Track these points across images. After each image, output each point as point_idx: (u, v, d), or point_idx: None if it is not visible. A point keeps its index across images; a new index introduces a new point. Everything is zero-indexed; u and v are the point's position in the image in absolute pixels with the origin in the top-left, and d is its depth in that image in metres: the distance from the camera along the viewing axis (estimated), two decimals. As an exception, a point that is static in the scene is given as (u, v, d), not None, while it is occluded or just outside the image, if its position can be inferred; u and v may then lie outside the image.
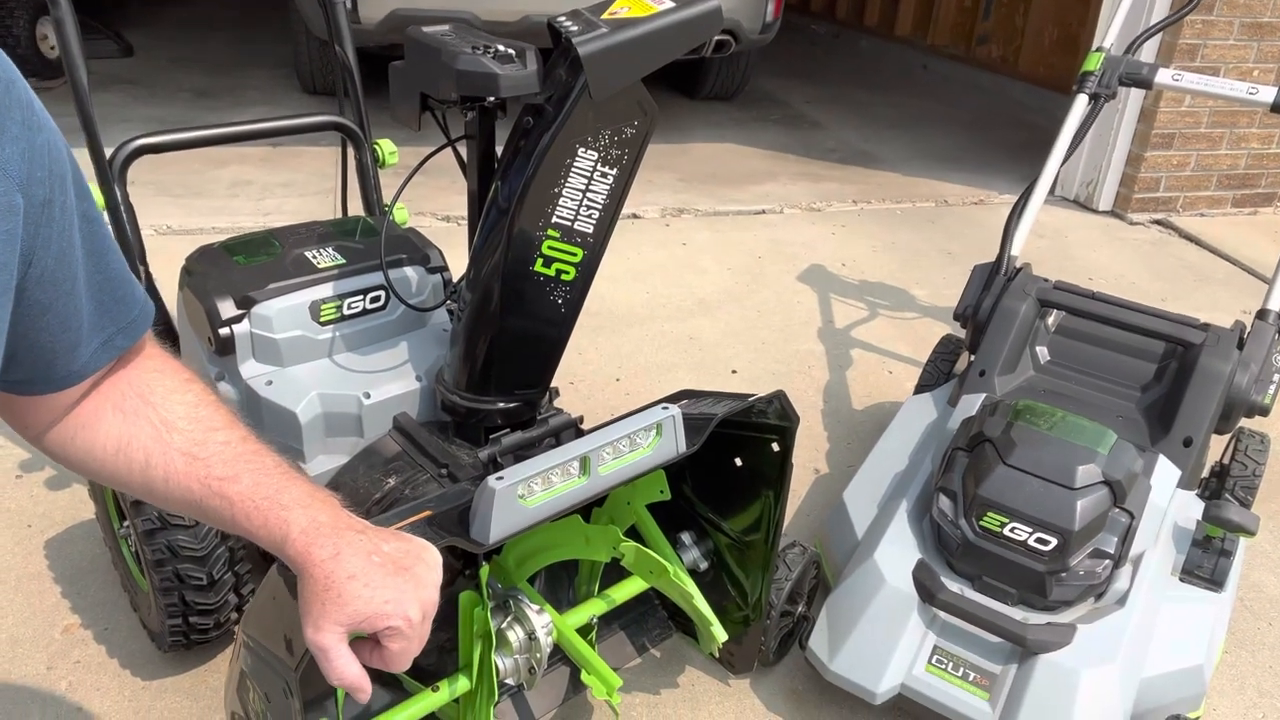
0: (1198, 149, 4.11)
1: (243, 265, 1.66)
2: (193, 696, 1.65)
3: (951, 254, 3.70)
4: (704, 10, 1.34)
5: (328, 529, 0.91)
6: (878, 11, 7.77)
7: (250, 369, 1.60)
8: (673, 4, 1.35)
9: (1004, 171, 4.64)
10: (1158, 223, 4.18)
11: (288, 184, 3.97)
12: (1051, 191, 4.30)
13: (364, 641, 0.94)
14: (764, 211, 4.05)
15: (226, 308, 1.57)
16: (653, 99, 1.39)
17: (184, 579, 1.54)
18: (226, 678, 1.31)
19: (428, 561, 0.96)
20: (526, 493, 1.17)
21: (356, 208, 2.05)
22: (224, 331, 1.57)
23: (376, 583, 0.90)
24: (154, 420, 0.91)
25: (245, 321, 1.59)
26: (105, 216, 1.66)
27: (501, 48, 1.35)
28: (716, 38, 4.38)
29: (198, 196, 3.79)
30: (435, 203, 3.75)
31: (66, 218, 0.75)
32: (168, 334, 1.83)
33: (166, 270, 1.83)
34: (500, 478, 1.12)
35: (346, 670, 0.90)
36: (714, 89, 5.59)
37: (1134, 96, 4.03)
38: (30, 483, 2.12)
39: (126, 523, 1.62)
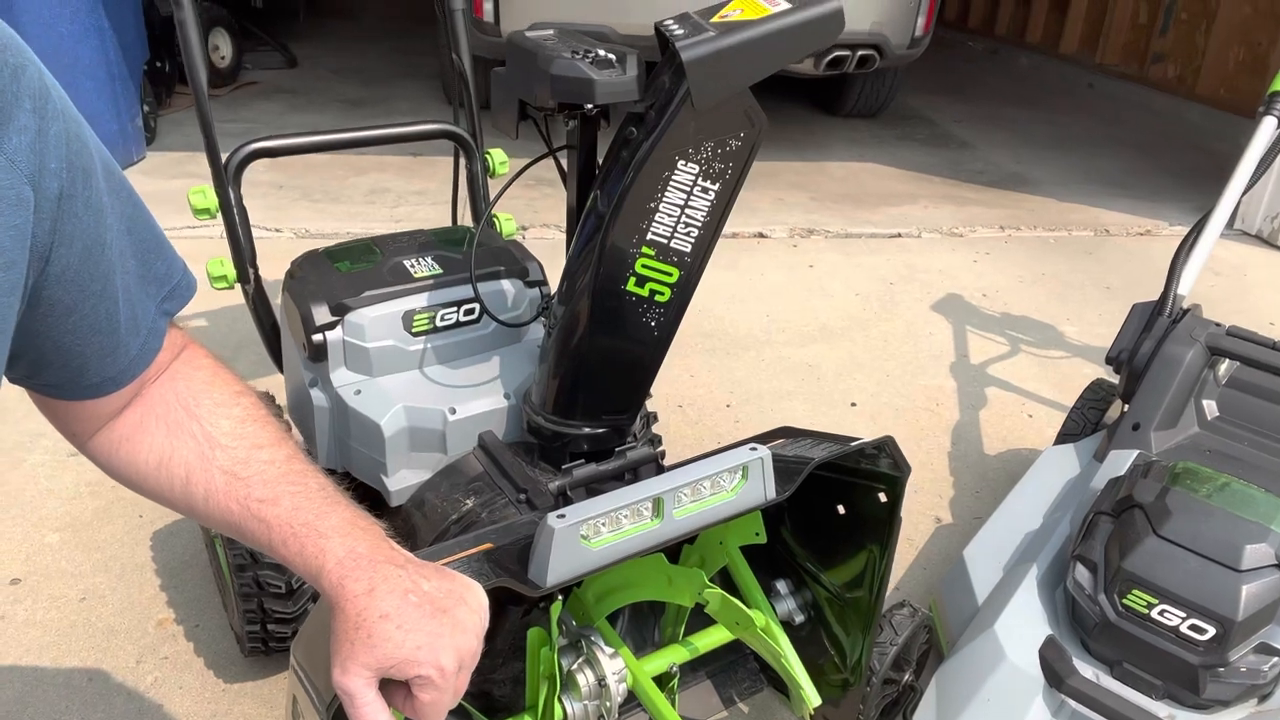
0: None
1: (343, 272, 1.64)
2: (269, 704, 1.63)
3: (1110, 289, 3.38)
4: (823, 12, 1.21)
5: (365, 561, 0.84)
6: (1041, 26, 7.33)
7: (341, 377, 1.58)
8: (789, 5, 1.23)
9: (1175, 200, 4.22)
10: (1357, 263, 3.71)
11: (422, 192, 4.05)
12: (1230, 224, 3.90)
13: (399, 685, 0.86)
14: (900, 235, 3.83)
15: (321, 314, 1.55)
16: (761, 110, 1.27)
17: (263, 586, 1.52)
18: (286, 692, 1.27)
19: (470, 604, 0.88)
20: (591, 534, 1.07)
21: (468, 218, 2.02)
22: (317, 338, 1.55)
23: (410, 625, 0.82)
24: (198, 435, 0.87)
25: (339, 329, 1.56)
26: (220, 218, 1.70)
27: (602, 52, 1.27)
28: (861, 53, 4.19)
29: (335, 202, 3.92)
30: (559, 214, 3.73)
31: (93, 214, 0.71)
32: (274, 337, 1.84)
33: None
34: (562, 515, 1.03)
35: (373, 719, 0.83)
36: (857, 106, 5.38)
37: (1335, 120, 3.58)
38: (148, 473, 2.19)
39: (216, 523, 1.63)
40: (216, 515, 0.87)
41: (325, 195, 3.99)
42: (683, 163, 1.27)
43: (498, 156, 1.96)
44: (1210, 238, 2.00)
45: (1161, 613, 1.39)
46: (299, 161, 4.13)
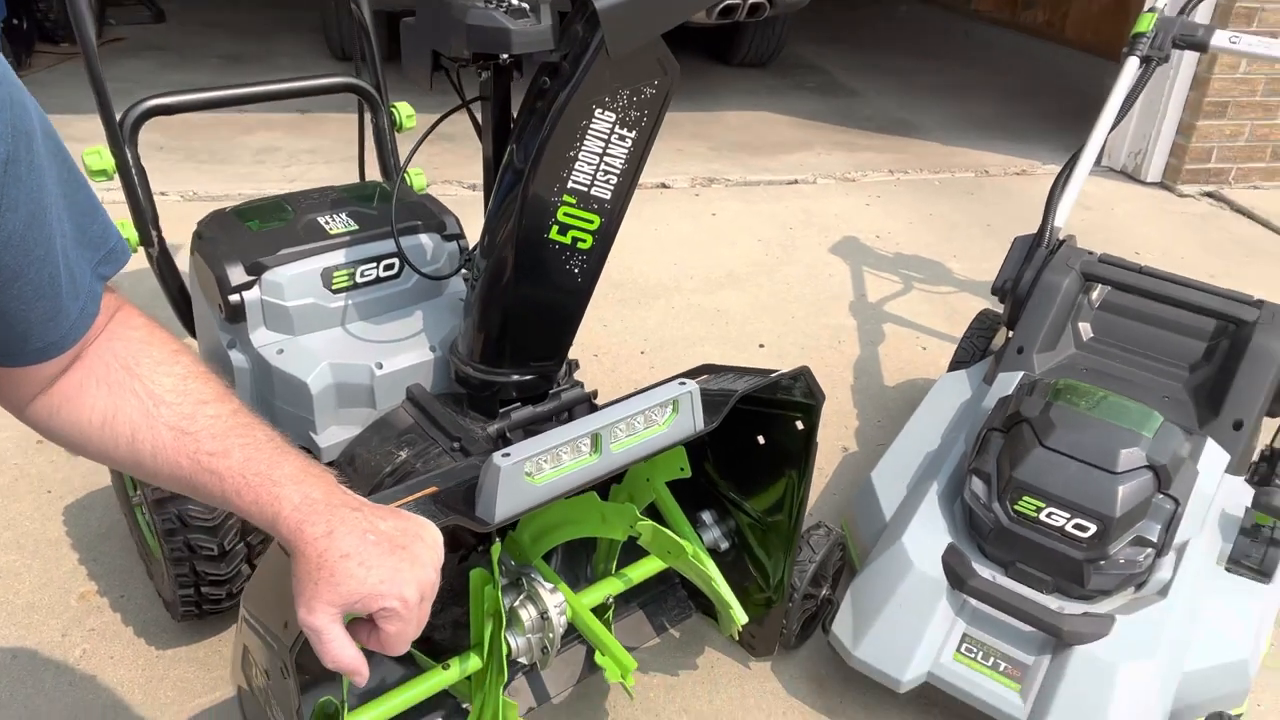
0: (1252, 118, 3.93)
1: (254, 231, 1.62)
2: (205, 666, 1.63)
3: (991, 226, 3.58)
4: (730, -39, 1.25)
5: (321, 506, 0.87)
6: (919, -24, 7.55)
7: (261, 337, 1.57)
8: (696, -45, 1.27)
9: (1048, 141, 4.47)
10: (1208, 195, 4.02)
11: (314, 150, 3.93)
12: (1098, 162, 4.14)
13: (362, 622, 0.90)
14: (797, 181, 3.95)
15: (237, 274, 1.54)
16: (674, 58, 1.32)
17: (195, 549, 1.52)
18: (232, 651, 1.29)
19: (426, 540, 0.92)
20: (534, 470, 1.12)
21: (375, 172, 2.00)
22: (234, 298, 1.53)
23: (371, 562, 0.85)
24: (140, 393, 0.87)
25: (256, 288, 1.55)
26: (118, 179, 1.65)
27: (516, 2, 1.29)
28: (751, 1, 4.24)
29: (224, 163, 3.77)
30: (462, 170, 3.70)
31: (36, 178, 0.71)
32: (182, 301, 1.80)
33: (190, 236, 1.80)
34: (507, 454, 1.08)
35: (341, 653, 0.86)
36: (748, 55, 5.46)
37: (1186, 63, 3.85)
38: (51, 449, 2.12)
39: (139, 491, 1.61)
40: (165, 471, 0.88)
41: (211, 156, 3.84)
42: (600, 111, 1.30)
43: (404, 110, 1.94)
44: (1081, 173, 2.15)
45: (1049, 515, 1.53)
46: (179, 121, 3.91)
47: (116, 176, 1.64)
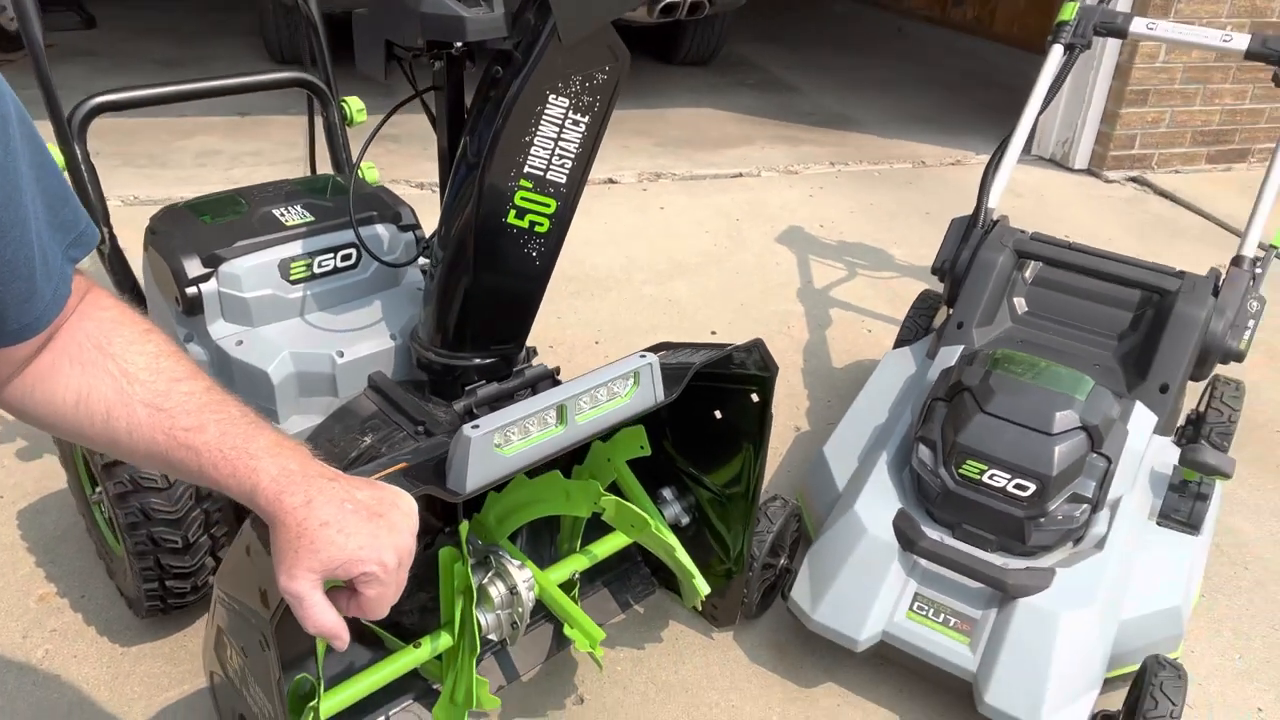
0: (1172, 105, 4.11)
1: (209, 224, 1.62)
2: (171, 661, 1.63)
3: (929, 214, 3.70)
4: (674, -50, 1.31)
5: (299, 476, 0.89)
6: (853, -25, 7.71)
7: (219, 329, 1.58)
8: (643, -55, 1.32)
9: (980, 132, 4.63)
10: (1133, 180, 4.19)
11: (257, 153, 3.90)
12: (1028, 150, 4.32)
13: (340, 590, 0.92)
14: (741, 174, 4.02)
15: (193, 266, 1.54)
16: (624, 45, 1.36)
17: (159, 542, 1.52)
18: (204, 638, 1.29)
19: (403, 508, 0.95)
20: (503, 441, 1.16)
21: (325, 167, 2.01)
22: (191, 291, 1.54)
23: (351, 529, 0.88)
24: (113, 371, 0.88)
25: (213, 280, 1.55)
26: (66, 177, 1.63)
27: (468, -9, 1.32)
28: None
29: (163, 168, 3.72)
30: (408, 170, 3.70)
31: (12, 160, 0.72)
32: (136, 298, 1.79)
33: (134, 241, 1.78)
34: (476, 426, 1.11)
35: (323, 618, 0.89)
36: (689, 54, 5.53)
37: (1109, 54, 4.02)
38: (1, 454, 2.08)
39: (99, 488, 1.60)
40: (141, 448, 0.89)
41: (150, 160, 3.78)
42: (553, 97, 1.34)
43: (355, 104, 1.96)
44: (1012, 156, 2.25)
45: (991, 477, 1.61)
46: (116, 127, 3.88)
47: (66, 174, 1.63)
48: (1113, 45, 3.99)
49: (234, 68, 5.05)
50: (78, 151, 1.62)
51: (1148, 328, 1.95)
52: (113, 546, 1.69)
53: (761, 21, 6.76)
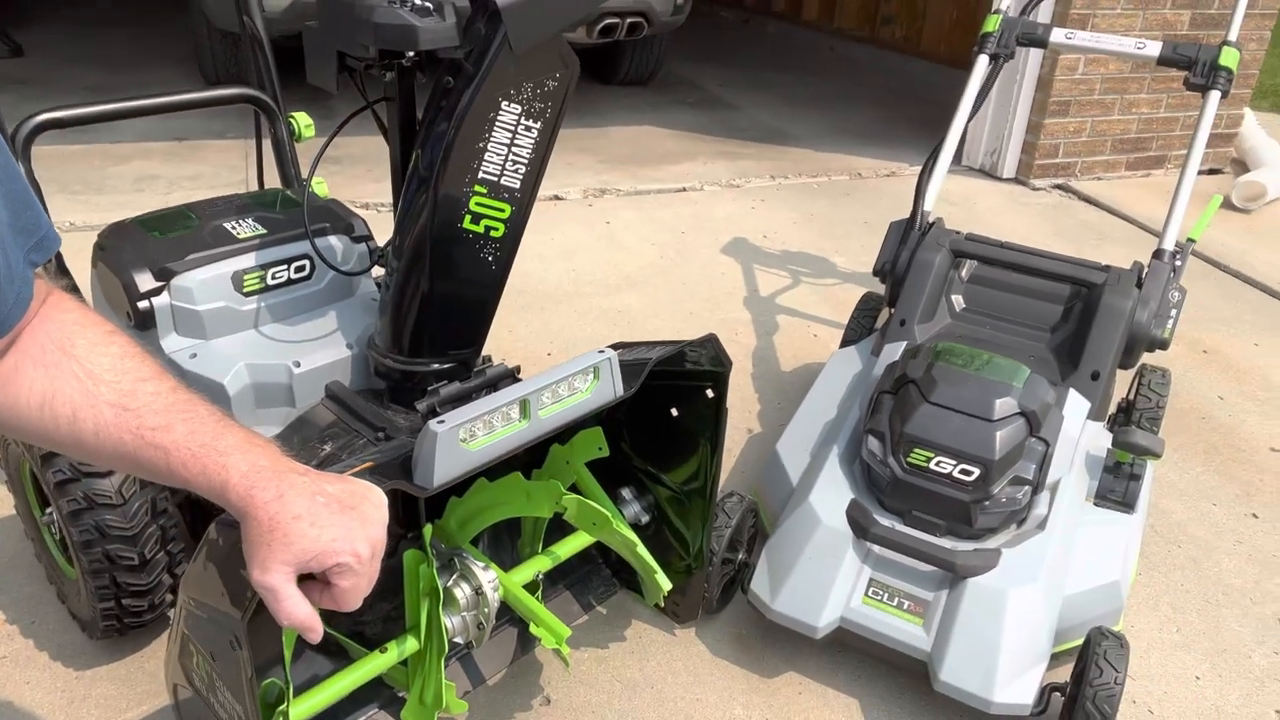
0: (1092, 115, 4.30)
1: (160, 238, 1.62)
2: (128, 683, 1.60)
3: (867, 223, 3.81)
4: (620, -39, 1.35)
5: (269, 472, 0.90)
6: (784, -3, 7.91)
7: (172, 343, 1.57)
8: (588, -44, 1.36)
9: (913, 145, 4.79)
10: (1058, 187, 4.37)
11: (196, 177, 3.85)
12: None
13: (313, 583, 0.93)
14: (685, 189, 4.10)
15: (145, 280, 1.53)
16: (574, 53, 1.40)
17: (114, 560, 1.49)
18: (167, 651, 1.28)
19: (373, 500, 0.96)
20: (468, 436, 1.18)
21: (273, 182, 2.01)
22: (143, 305, 1.53)
23: (323, 521, 0.89)
24: (78, 373, 0.88)
25: (165, 294, 1.55)
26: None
27: (419, 1, 1.35)
28: (630, 20, 4.40)
29: (99, 193, 3.66)
30: (352, 190, 3.69)
31: None
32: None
33: (72, 268, 1.76)
34: (442, 421, 1.13)
35: (296, 610, 0.89)
36: (629, 74, 5.62)
37: (1031, 66, 4.19)
38: (-62, 485, 2.03)
39: (50, 509, 1.57)
40: (108, 448, 0.90)
41: (85, 186, 3.71)
42: (506, 103, 1.38)
43: (303, 120, 1.97)
44: (945, 160, 2.34)
45: (937, 464, 1.67)
46: (49, 154, 3.81)
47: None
48: (1034, 59, 4.17)
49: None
50: (22, 171, 1.60)
51: (1077, 319, 2.04)
52: (64, 569, 1.66)
53: (698, 42, 6.90)
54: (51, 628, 1.70)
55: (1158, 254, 2.10)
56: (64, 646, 1.66)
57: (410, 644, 1.41)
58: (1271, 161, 4.42)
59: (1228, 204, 4.10)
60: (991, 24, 2.40)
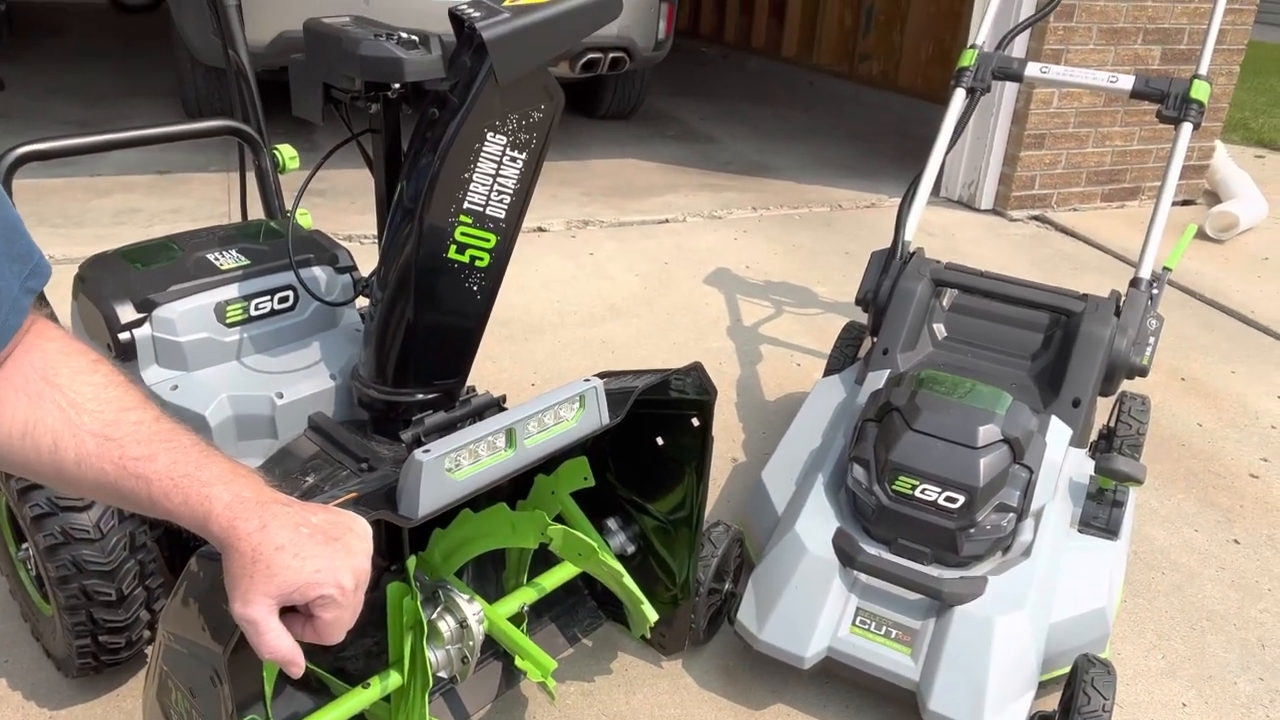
0: (1067, 148, 4.38)
1: (141, 270, 1.61)
2: (104, 723, 1.57)
3: (849, 254, 3.84)
4: (604, -5, 1.38)
5: (252, 503, 0.89)
6: (764, 33, 8.03)
7: (154, 374, 1.55)
8: (573, -10, 1.38)
9: (892, 177, 4.85)
10: (1035, 218, 4.43)
11: (177, 210, 3.84)
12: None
13: (295, 615, 0.92)
14: (667, 220, 4.12)
15: (126, 312, 1.52)
16: (558, 84, 1.42)
17: (91, 596, 1.47)
18: (144, 689, 1.26)
19: (357, 531, 0.95)
20: (454, 465, 1.17)
21: (256, 214, 2.01)
22: (124, 336, 1.52)
23: (307, 553, 0.88)
24: (60, 402, 0.88)
25: (146, 325, 1.54)
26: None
27: (404, 34, 1.36)
28: (612, 55, 4.46)
29: (79, 226, 3.64)
30: (335, 223, 3.69)
31: None
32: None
33: (51, 300, 1.74)
34: (427, 450, 1.12)
35: (278, 643, 0.88)
36: (611, 108, 5.68)
37: (1006, 100, 4.27)
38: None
39: (26, 544, 1.55)
40: (89, 478, 0.89)
41: (66, 219, 3.69)
42: (491, 134, 1.39)
43: (287, 152, 1.97)
44: (924, 191, 2.37)
45: (923, 491, 1.68)
46: (29, 187, 3.80)
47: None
48: (1010, 93, 4.25)
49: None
50: (10, 201, 1.59)
51: (1058, 347, 2.06)
52: (39, 606, 1.62)
53: (679, 77, 6.99)
54: (25, 666, 1.66)
55: (1135, 282, 2.13)
56: (38, 685, 1.62)
57: (394, 679, 1.39)
58: (1243, 192, 4.51)
59: (1202, 234, 4.18)
60: (968, 59, 2.45)
